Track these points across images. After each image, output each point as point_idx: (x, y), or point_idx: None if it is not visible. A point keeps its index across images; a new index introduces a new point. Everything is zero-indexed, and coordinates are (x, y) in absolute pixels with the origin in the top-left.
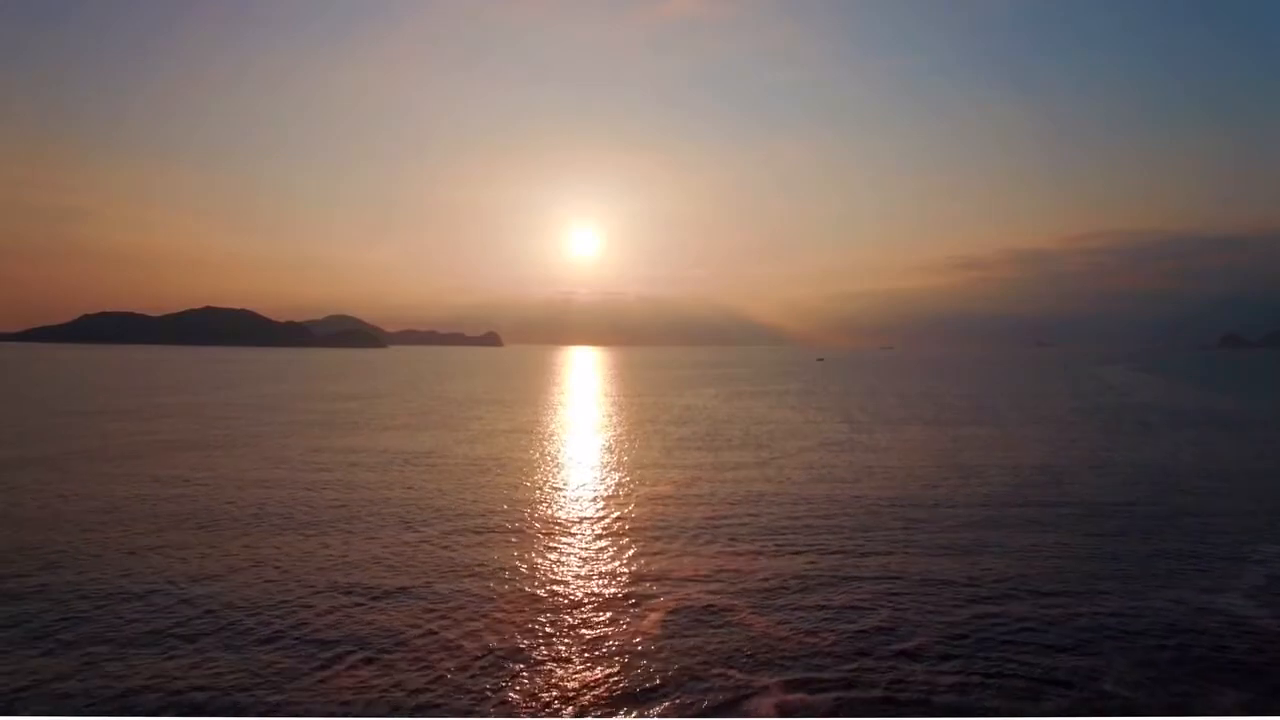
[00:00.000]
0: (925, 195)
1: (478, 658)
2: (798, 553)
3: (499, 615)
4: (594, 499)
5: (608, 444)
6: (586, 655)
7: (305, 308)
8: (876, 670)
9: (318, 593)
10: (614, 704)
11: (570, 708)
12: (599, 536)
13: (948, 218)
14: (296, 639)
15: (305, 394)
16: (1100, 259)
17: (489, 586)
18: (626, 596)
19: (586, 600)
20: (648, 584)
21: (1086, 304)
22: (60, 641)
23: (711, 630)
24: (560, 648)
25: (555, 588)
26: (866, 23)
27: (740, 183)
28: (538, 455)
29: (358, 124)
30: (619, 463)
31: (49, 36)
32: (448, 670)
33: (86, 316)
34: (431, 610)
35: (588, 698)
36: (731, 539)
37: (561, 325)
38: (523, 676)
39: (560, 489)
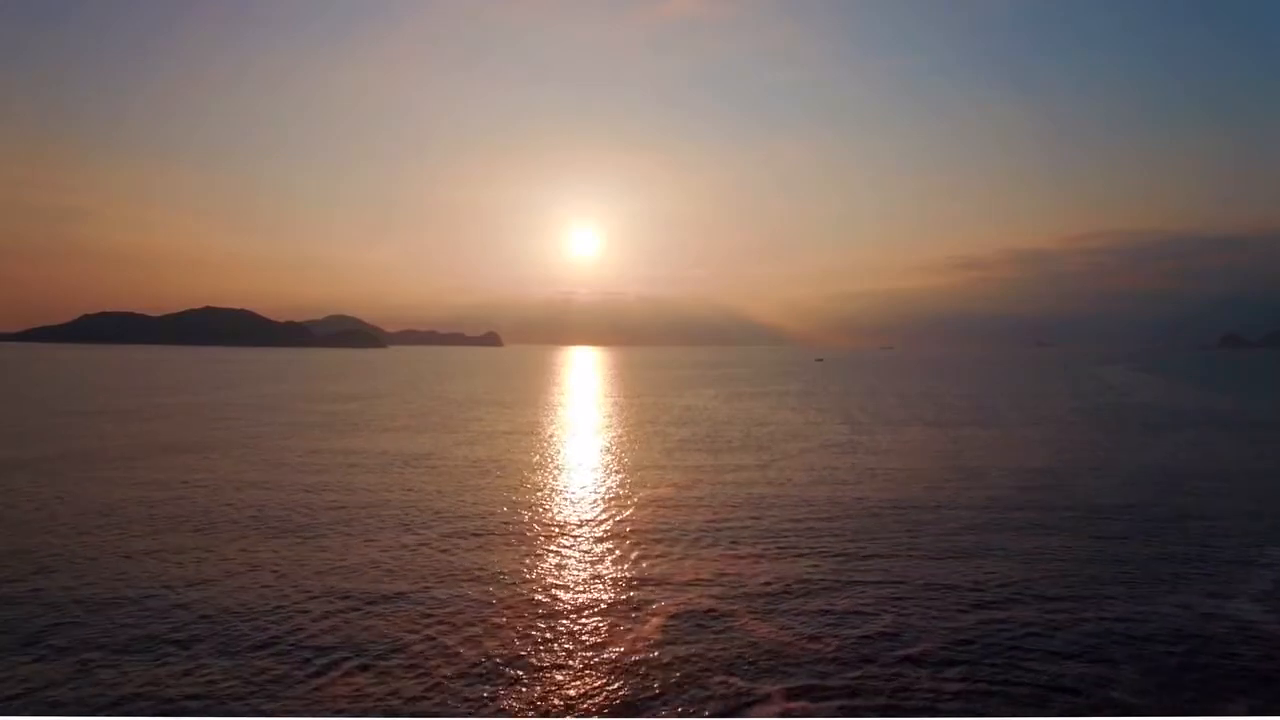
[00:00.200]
0: (925, 195)
1: (476, 664)
2: (800, 556)
3: (497, 620)
4: (594, 502)
5: (608, 446)
6: (586, 661)
7: (305, 308)
8: (880, 677)
9: (315, 597)
10: (614, 711)
11: (570, 715)
12: (599, 540)
13: (948, 218)
14: (293, 644)
15: (304, 394)
16: (1100, 259)
17: (488, 591)
18: (626, 601)
19: (586, 605)
20: (648, 588)
21: (1086, 304)
22: (53, 646)
23: (713, 636)
24: (559, 653)
25: (555, 592)
26: (866, 23)
27: (740, 183)
28: (538, 457)
29: (358, 124)
30: (619, 465)
31: (49, 36)
32: (445, 676)
33: (86, 316)
34: (430, 615)
35: (587, 704)
36: (733, 542)
37: (561, 325)
38: (521, 683)
39: (560, 491)
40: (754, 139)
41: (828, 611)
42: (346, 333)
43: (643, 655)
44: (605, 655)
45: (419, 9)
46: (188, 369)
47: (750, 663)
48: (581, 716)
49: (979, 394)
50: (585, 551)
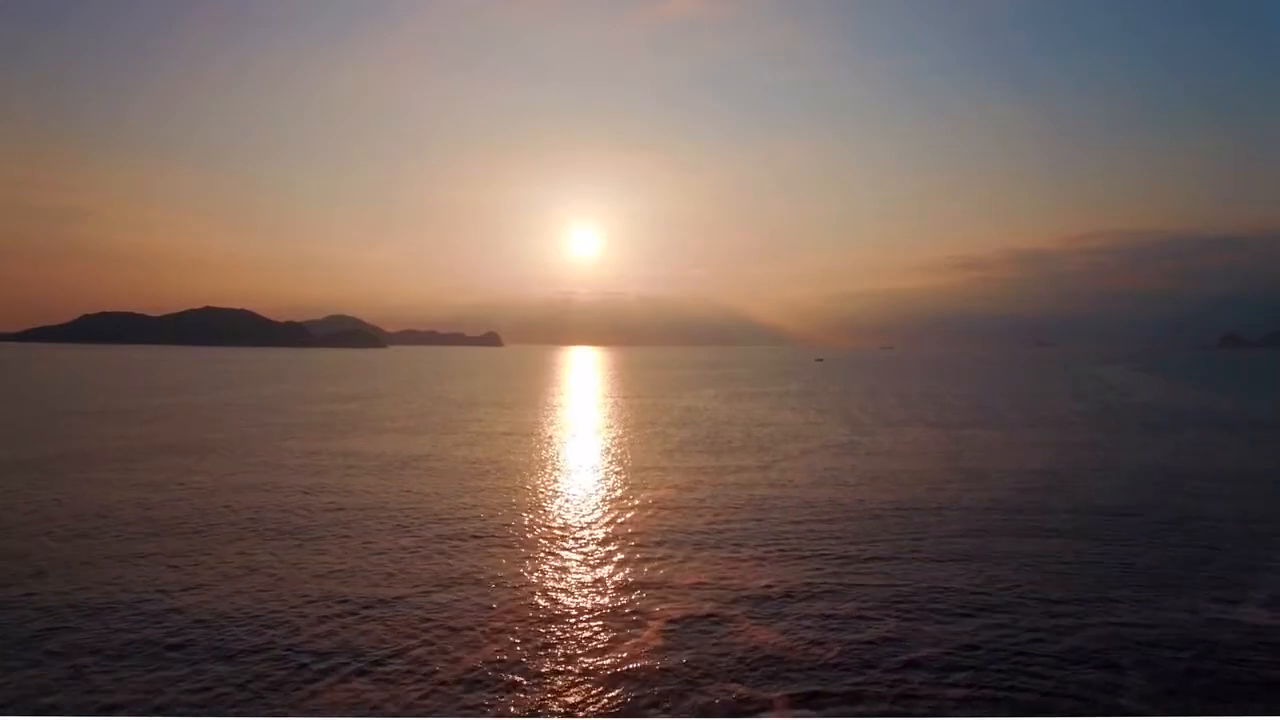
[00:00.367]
0: (925, 195)
1: (474, 668)
2: (802, 559)
3: (496, 624)
4: (594, 504)
5: (608, 447)
6: (586, 667)
7: (305, 308)
8: (883, 682)
9: (312, 601)
10: (613, 718)
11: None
12: (599, 543)
13: (948, 218)
14: (290, 648)
15: (304, 395)
16: (1100, 259)
17: (486, 595)
18: (627, 605)
19: (586, 609)
20: (648, 592)
21: (1086, 304)
22: (48, 651)
23: (714, 640)
24: (559, 658)
25: (554, 596)
26: (866, 23)
27: (740, 183)
28: (537, 459)
29: (358, 124)
30: (619, 466)
31: (49, 36)
32: (443, 681)
33: (86, 316)
34: (428, 619)
35: (587, 710)
36: (734, 545)
37: (561, 325)
38: (520, 689)
39: (560, 494)
40: (754, 139)
41: (830, 615)
42: (346, 333)
43: (643, 660)
44: (605, 660)
45: (419, 9)
46: (187, 369)
47: (752, 668)
48: None
49: (979, 394)
50: (585, 555)
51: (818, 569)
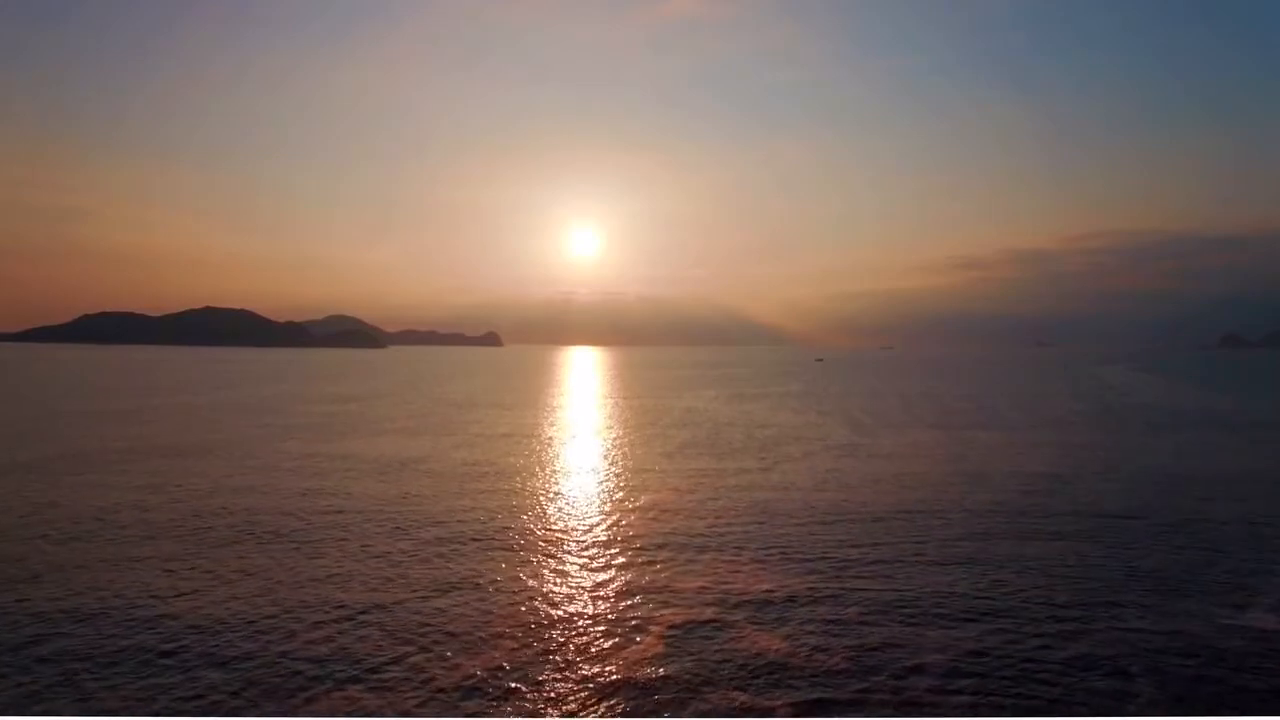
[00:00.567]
0: (925, 195)
1: (471, 674)
2: (804, 563)
3: (494, 630)
4: (595, 507)
5: (609, 449)
6: (584, 673)
7: (305, 308)
8: (888, 688)
9: (308, 605)
10: None
11: None
12: (599, 547)
13: (948, 218)
14: (284, 653)
15: (303, 396)
16: (1100, 259)
17: (484, 599)
18: (626, 610)
19: (586, 614)
20: (649, 596)
21: (1086, 304)
22: (39, 657)
23: (716, 646)
24: (558, 664)
25: (553, 601)
26: (866, 23)
27: (740, 183)
28: (537, 461)
29: (358, 124)
30: (620, 469)
31: (49, 36)
32: (440, 687)
33: (86, 316)
34: (426, 624)
35: (586, 716)
36: (736, 549)
37: (561, 325)
38: (518, 695)
39: (560, 497)
40: (754, 139)
41: (833, 620)
42: (346, 333)
43: (644, 666)
44: (605, 666)
45: (419, 9)
46: (187, 369)
47: (755, 674)
48: None
49: (980, 395)
50: (586, 559)
51: (821, 573)
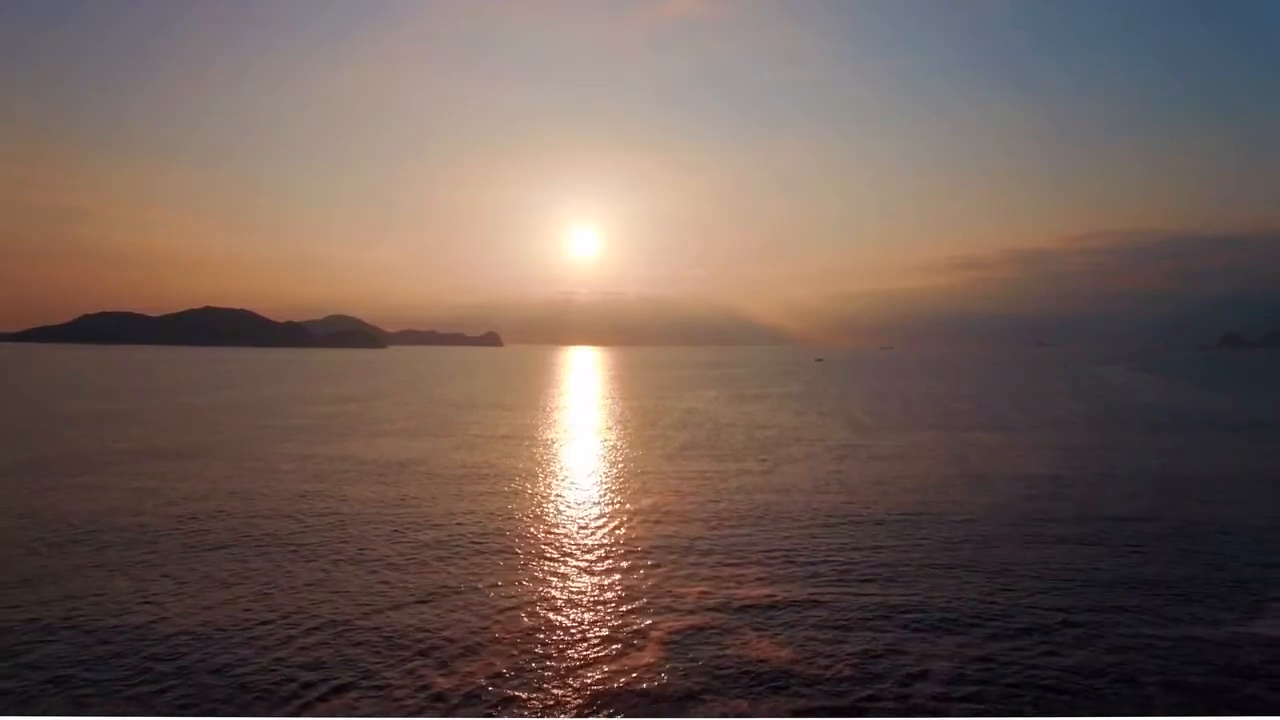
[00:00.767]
0: (925, 195)
1: (468, 680)
2: (806, 568)
3: (491, 635)
4: (595, 510)
5: (609, 450)
6: (584, 679)
7: (305, 308)
8: (892, 695)
9: (305, 610)
10: None
11: None
12: (599, 551)
13: (948, 218)
14: (280, 657)
15: (303, 396)
16: (1100, 259)
17: (482, 604)
18: (626, 615)
19: (585, 620)
20: (649, 601)
21: (1086, 304)
22: (29, 663)
23: (716, 652)
24: (556, 670)
25: (552, 606)
26: (866, 23)
27: (740, 183)
28: (537, 463)
29: (358, 124)
30: (620, 471)
31: (49, 36)
32: (437, 694)
33: (86, 316)
34: (423, 629)
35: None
36: (737, 553)
37: (561, 325)
38: (516, 701)
39: (560, 500)
40: (754, 139)
41: (836, 626)
42: (346, 333)
43: (643, 672)
44: (604, 672)
45: (419, 9)
46: (187, 369)
47: (757, 680)
48: None
49: (981, 395)
50: (585, 562)
51: (823, 576)
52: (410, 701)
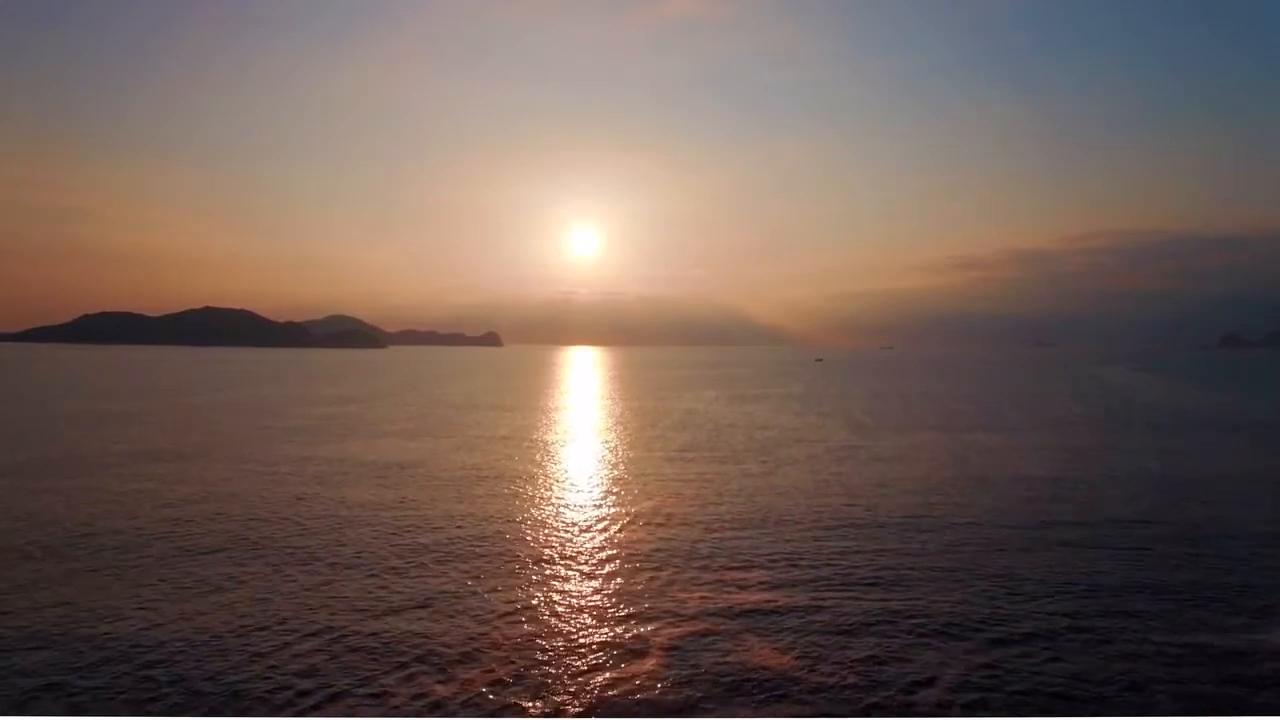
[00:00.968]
0: (925, 195)
1: (466, 685)
2: (807, 572)
3: (489, 640)
4: (595, 512)
5: (609, 452)
6: (582, 685)
7: (305, 308)
8: (896, 702)
9: (302, 615)
10: None
11: None
12: (598, 553)
13: (948, 218)
14: (275, 665)
15: (303, 397)
16: (1100, 259)
17: (481, 608)
18: (626, 620)
19: (584, 624)
20: (648, 605)
21: (1086, 304)
22: (20, 670)
23: (716, 658)
24: (555, 675)
25: (551, 610)
26: (866, 23)
27: (740, 183)
28: (536, 465)
29: (358, 124)
30: (620, 473)
31: (49, 36)
32: (433, 699)
33: (86, 316)
34: (420, 634)
35: None
36: (738, 556)
37: (561, 325)
38: (515, 706)
39: (559, 502)
40: (754, 139)
41: (838, 631)
42: (346, 333)
43: (643, 677)
44: (604, 677)
45: (419, 9)
46: (187, 370)
47: (758, 687)
48: None
49: (981, 396)
50: (585, 566)
51: (825, 580)
52: (408, 708)
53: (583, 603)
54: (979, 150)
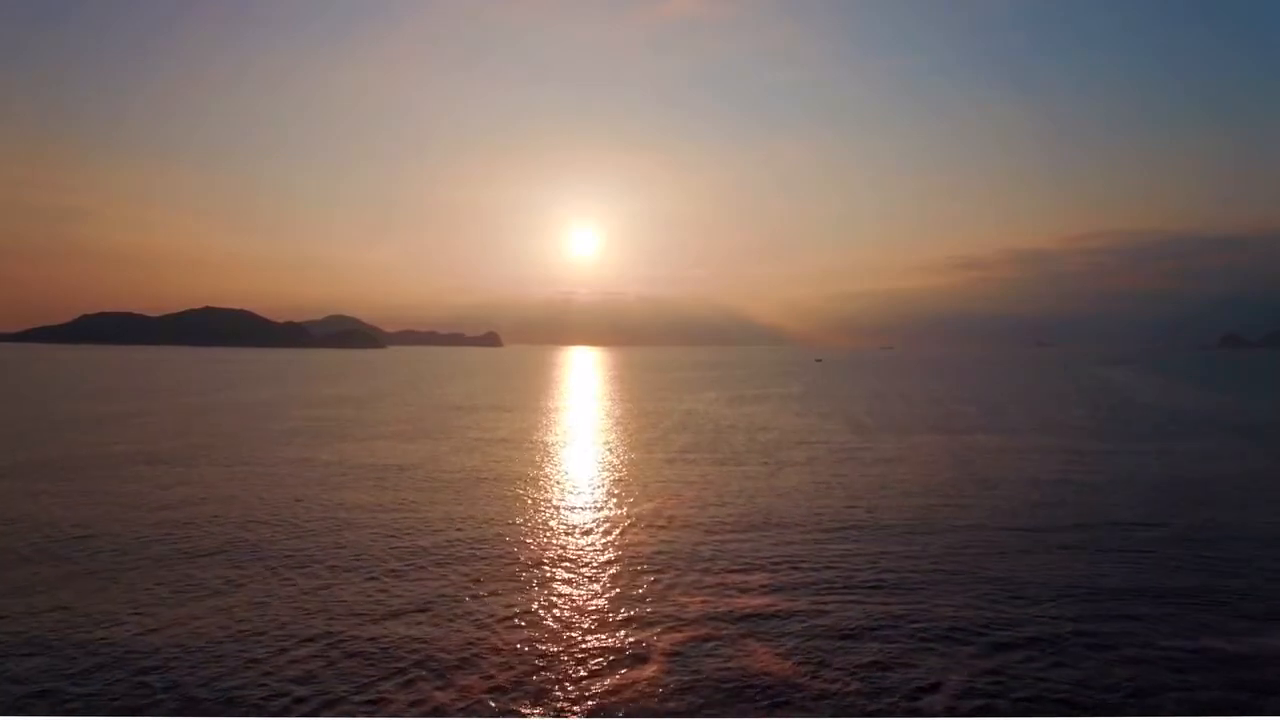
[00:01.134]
0: (925, 195)
1: (463, 690)
2: (810, 577)
3: (487, 645)
4: (595, 515)
5: (608, 454)
6: (581, 689)
7: (304, 308)
8: (900, 709)
9: (299, 619)
10: None
11: None
12: (598, 557)
13: (948, 218)
14: (272, 667)
15: (302, 397)
16: (1100, 259)
17: (479, 611)
18: (626, 624)
19: (583, 629)
20: (649, 609)
21: (1086, 304)
22: (10, 675)
23: (718, 665)
24: (554, 679)
25: (550, 613)
26: (866, 23)
27: (740, 183)
28: (536, 468)
29: (358, 124)
30: (621, 476)
31: (49, 36)
32: (431, 704)
33: (86, 316)
34: (418, 637)
35: None
36: (739, 560)
37: (561, 325)
38: (513, 715)
39: (559, 504)
40: (754, 139)
41: (840, 636)
42: (346, 333)
43: (643, 682)
44: (603, 682)
45: (419, 9)
46: (187, 370)
47: (760, 693)
48: None
49: (982, 396)
50: (584, 571)
51: (827, 585)
52: (407, 714)
53: (583, 607)
54: (979, 150)
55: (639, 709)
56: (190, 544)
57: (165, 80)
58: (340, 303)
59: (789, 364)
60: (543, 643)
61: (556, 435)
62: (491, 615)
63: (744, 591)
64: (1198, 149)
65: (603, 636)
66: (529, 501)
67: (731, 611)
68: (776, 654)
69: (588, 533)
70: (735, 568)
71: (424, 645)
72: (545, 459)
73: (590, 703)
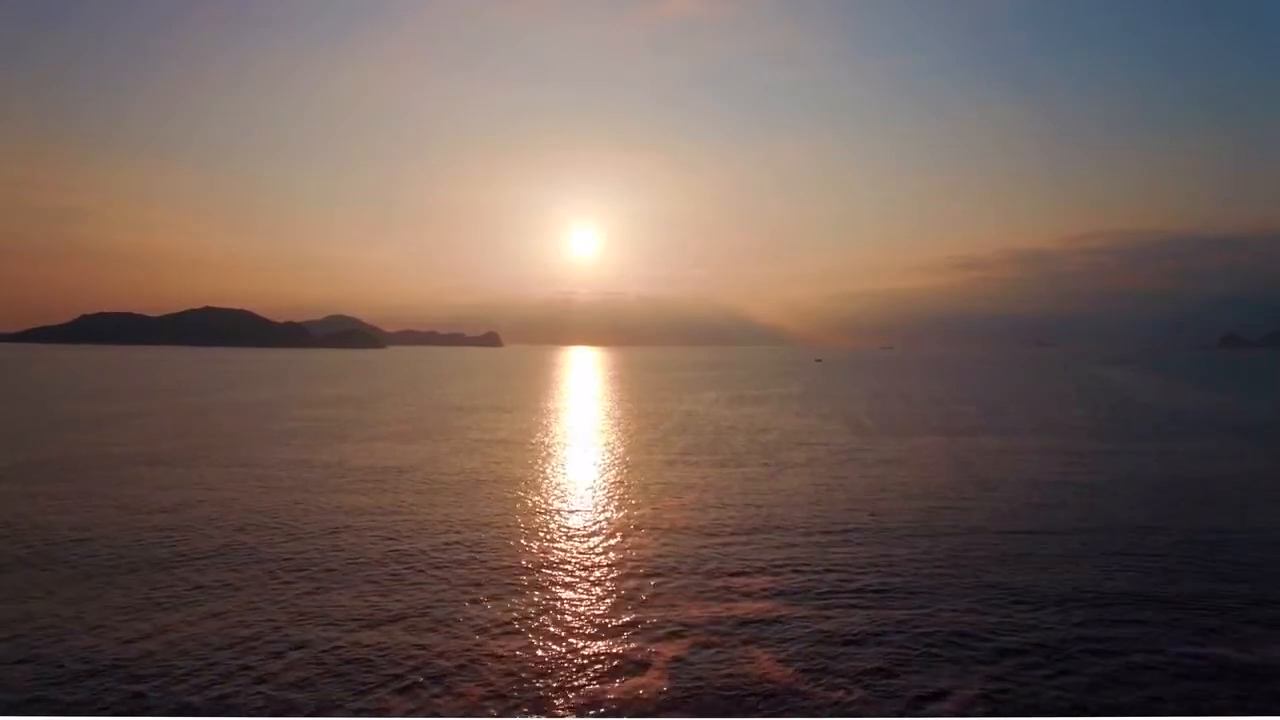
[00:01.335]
0: (925, 195)
1: (461, 694)
2: (811, 581)
3: (486, 649)
4: (594, 519)
5: (609, 455)
6: (580, 693)
7: (304, 308)
8: (901, 715)
9: (296, 623)
10: None
11: None
12: (598, 560)
13: (948, 218)
14: (268, 674)
15: (302, 398)
16: (1100, 259)
17: (478, 613)
18: (626, 627)
19: (582, 632)
20: (649, 615)
21: (1086, 304)
22: (3, 679)
23: (719, 670)
24: (553, 682)
25: (550, 616)
26: (866, 23)
27: (740, 183)
28: (535, 470)
29: (358, 124)
30: (621, 478)
31: (49, 36)
32: (429, 708)
33: (86, 317)
34: (416, 641)
35: None
36: (740, 562)
37: (561, 325)
38: (512, 714)
39: (559, 506)
40: (754, 139)
41: (842, 641)
42: (346, 333)
43: (644, 689)
44: (602, 686)
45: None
46: (186, 370)
47: (762, 698)
48: None
49: (983, 397)
50: (584, 574)
51: (828, 589)
52: (402, 714)
53: (583, 611)
54: (979, 150)
55: (640, 715)
56: (188, 546)
57: (165, 80)
58: (340, 303)
59: (789, 364)
60: (542, 648)
61: (556, 437)
62: (491, 620)
63: (745, 596)
64: (1198, 149)
65: (603, 641)
66: (529, 504)
67: (733, 616)
68: (778, 659)
69: (588, 536)
70: (736, 571)
71: (422, 650)
72: (545, 461)
73: (591, 709)
